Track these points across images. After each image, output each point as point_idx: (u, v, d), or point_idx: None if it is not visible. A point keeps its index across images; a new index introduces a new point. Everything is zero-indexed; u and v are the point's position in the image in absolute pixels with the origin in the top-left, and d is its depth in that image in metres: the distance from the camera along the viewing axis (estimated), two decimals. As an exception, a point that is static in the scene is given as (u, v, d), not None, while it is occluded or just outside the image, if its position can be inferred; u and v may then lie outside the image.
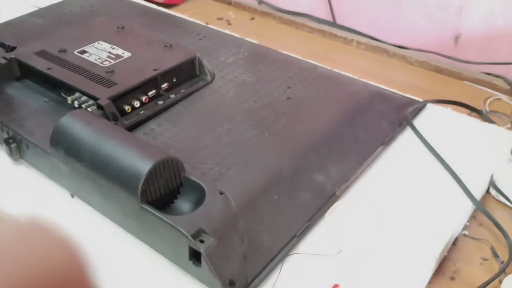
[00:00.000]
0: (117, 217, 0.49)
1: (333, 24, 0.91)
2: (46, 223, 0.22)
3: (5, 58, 0.62)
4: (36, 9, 0.85)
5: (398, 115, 0.63)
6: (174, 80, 0.61)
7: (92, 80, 0.57)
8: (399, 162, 0.58)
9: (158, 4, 0.96)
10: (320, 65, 0.70)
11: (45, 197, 0.53)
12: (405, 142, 0.60)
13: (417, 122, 0.63)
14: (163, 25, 0.78)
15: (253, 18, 0.96)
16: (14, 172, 0.57)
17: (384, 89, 0.67)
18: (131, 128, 0.55)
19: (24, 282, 0.19)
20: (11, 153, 0.56)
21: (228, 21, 0.95)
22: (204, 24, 0.86)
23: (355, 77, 0.69)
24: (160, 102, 0.59)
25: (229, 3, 1.00)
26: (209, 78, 0.64)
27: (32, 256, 0.20)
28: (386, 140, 0.59)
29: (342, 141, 0.57)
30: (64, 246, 0.22)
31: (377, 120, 0.61)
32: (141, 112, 0.57)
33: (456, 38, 0.81)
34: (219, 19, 0.95)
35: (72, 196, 0.53)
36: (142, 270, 0.46)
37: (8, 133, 0.56)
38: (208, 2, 1.03)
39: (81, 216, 0.51)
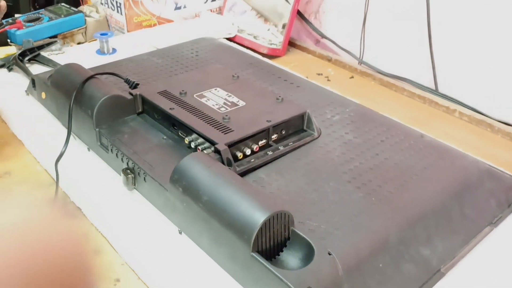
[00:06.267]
0: (223, 260, 0.51)
1: (435, 91, 0.90)
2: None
3: (131, 94, 0.68)
4: (155, 49, 0.92)
5: (507, 196, 0.61)
6: (283, 133, 0.64)
7: (210, 125, 0.60)
8: (506, 244, 0.55)
9: (262, 54, 1.01)
10: (424, 132, 0.70)
11: (153, 228, 0.56)
12: (513, 225, 0.58)
13: (527, 205, 0.61)
14: (270, 77, 0.82)
15: (352, 77, 0.98)
16: (127, 201, 0.60)
17: (494, 167, 0.65)
18: (242, 174, 0.57)
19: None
20: (127, 182, 0.60)
21: (327, 77, 0.97)
22: (304, 78, 0.89)
23: (460, 149, 0.68)
24: (270, 153, 0.61)
25: (329, 60, 1.03)
26: (316, 134, 0.65)
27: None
28: (495, 220, 0.58)
29: (449, 216, 0.56)
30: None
31: (485, 199, 0.59)
32: (251, 160, 0.59)
33: None
34: (319, 74, 0.98)
35: (180, 232, 0.55)
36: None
37: (128, 164, 0.60)
38: (308, 57, 1.07)
39: (187, 253, 0.53)
